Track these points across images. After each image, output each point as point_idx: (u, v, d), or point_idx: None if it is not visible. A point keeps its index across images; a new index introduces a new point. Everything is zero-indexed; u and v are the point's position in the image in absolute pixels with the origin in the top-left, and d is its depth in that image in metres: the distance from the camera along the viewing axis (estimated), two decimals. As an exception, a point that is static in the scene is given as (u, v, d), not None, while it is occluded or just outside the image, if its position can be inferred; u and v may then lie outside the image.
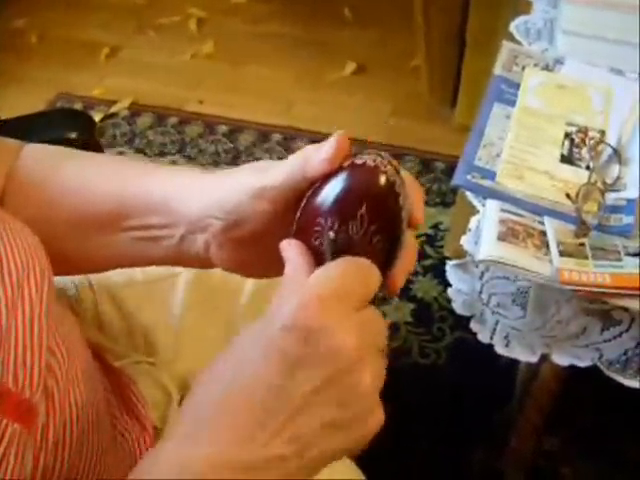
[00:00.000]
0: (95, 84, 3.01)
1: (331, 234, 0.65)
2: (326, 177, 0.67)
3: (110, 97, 2.95)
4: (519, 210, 1.08)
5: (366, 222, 0.64)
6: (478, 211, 1.10)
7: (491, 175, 1.13)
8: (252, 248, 0.74)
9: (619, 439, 1.78)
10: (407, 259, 0.68)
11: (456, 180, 1.13)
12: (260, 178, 0.70)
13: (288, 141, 2.72)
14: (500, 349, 1.14)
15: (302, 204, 0.68)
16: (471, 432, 1.82)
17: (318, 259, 0.66)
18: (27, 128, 1.36)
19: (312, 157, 0.67)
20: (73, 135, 1.34)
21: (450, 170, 2.52)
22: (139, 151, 2.72)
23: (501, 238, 1.02)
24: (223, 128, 2.78)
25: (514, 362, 1.69)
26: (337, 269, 0.62)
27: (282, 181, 0.69)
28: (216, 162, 2.66)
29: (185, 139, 2.75)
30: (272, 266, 0.69)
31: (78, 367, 0.76)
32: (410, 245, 0.69)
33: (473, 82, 2.37)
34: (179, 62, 3.10)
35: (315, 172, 0.67)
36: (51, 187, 0.81)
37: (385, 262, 0.67)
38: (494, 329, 1.13)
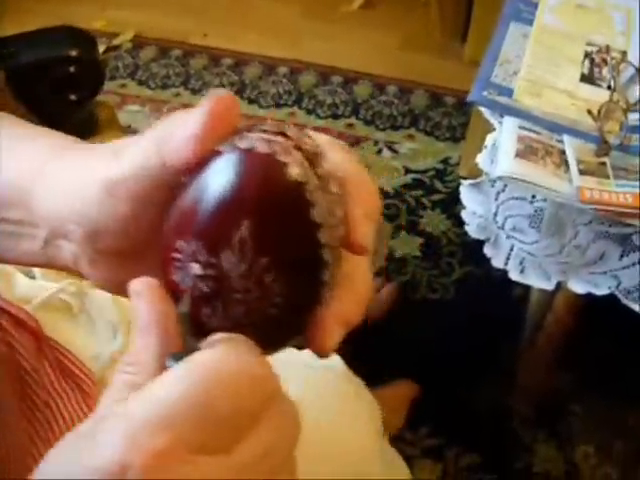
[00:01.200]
0: (97, 16, 2.94)
1: (196, 268, 0.43)
2: (197, 166, 0.43)
3: (112, 30, 2.90)
4: (537, 128, 1.04)
5: (250, 252, 0.41)
6: (494, 129, 1.06)
7: (508, 92, 1.09)
8: (132, 267, 0.50)
9: (630, 375, 1.76)
10: (344, 303, 0.45)
11: (472, 96, 1.08)
12: (109, 167, 0.48)
13: (295, 74, 2.67)
14: (515, 275, 1.11)
15: (168, 211, 0.45)
16: (479, 368, 1.80)
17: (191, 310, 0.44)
18: (28, 45, 1.32)
19: (172, 135, 0.45)
20: (74, 53, 1.30)
21: (460, 105, 2.50)
22: (142, 83, 2.66)
23: (519, 155, 0.98)
24: (228, 61, 2.72)
25: (524, 297, 1.67)
26: (190, 387, 0.38)
27: (133, 171, 0.46)
28: (220, 95, 2.61)
29: (189, 71, 2.70)
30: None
31: None
32: (352, 280, 0.46)
33: (484, 17, 2.33)
34: (184, -6, 3.04)
35: (176, 159, 0.44)
36: None
37: (295, 312, 0.44)
38: (509, 254, 1.09)
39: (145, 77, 2.69)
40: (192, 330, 0.43)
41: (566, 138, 1.04)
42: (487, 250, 1.10)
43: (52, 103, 1.30)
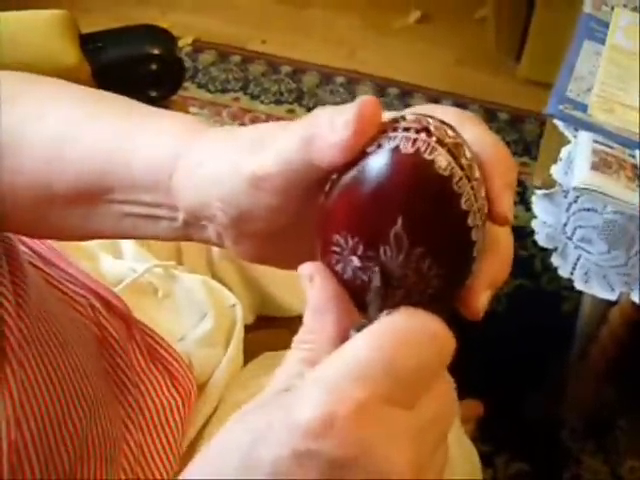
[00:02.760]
0: (158, 19, 2.99)
1: (354, 260, 0.46)
2: (344, 166, 0.46)
3: (173, 33, 2.93)
4: (611, 142, 1.08)
5: (406, 244, 0.44)
6: (569, 142, 1.09)
7: (582, 107, 1.12)
8: (274, 244, 0.54)
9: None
10: (490, 269, 0.48)
11: (550, 110, 1.12)
12: (253, 160, 0.50)
13: (352, 85, 2.70)
14: (579, 285, 1.14)
15: (320, 201, 0.48)
16: (529, 378, 1.82)
17: (352, 294, 0.47)
18: (113, 42, 1.35)
19: (319, 139, 0.46)
20: (157, 51, 1.32)
21: (513, 122, 2.52)
22: (201, 86, 2.71)
23: (594, 168, 1.02)
24: (287, 68, 2.76)
25: (573, 311, 1.70)
26: (380, 346, 0.42)
27: (277, 167, 0.48)
28: (279, 101, 2.65)
29: (248, 77, 2.74)
30: (306, 259, 0.49)
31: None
32: (496, 248, 0.48)
33: (541, 36, 2.34)
34: (244, 0, 3.08)
35: (324, 161, 0.46)
36: (8, 133, 0.60)
37: (450, 288, 0.47)
38: (575, 264, 1.12)
39: (205, 81, 2.73)
40: (381, 304, 0.46)
41: (638, 153, 1.07)
42: (554, 259, 1.13)
43: (133, 98, 1.33)
